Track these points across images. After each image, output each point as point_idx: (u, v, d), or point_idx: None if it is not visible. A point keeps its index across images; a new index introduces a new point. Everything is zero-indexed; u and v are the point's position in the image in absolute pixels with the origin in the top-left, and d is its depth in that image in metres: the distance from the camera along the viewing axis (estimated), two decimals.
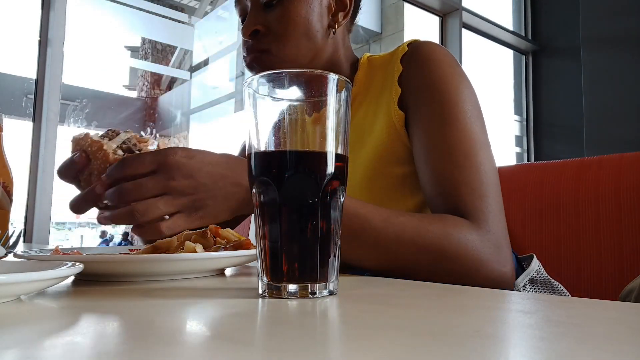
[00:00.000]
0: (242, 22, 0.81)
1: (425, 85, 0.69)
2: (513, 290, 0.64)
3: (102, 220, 0.57)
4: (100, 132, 0.62)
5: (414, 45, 0.74)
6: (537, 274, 0.74)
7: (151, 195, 0.53)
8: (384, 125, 0.73)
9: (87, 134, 0.61)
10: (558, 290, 0.74)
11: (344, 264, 0.59)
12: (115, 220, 0.55)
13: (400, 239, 0.57)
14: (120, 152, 0.60)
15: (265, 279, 0.39)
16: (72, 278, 0.50)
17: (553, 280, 0.75)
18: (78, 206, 0.59)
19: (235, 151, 1.47)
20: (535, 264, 0.75)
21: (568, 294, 0.76)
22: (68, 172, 0.61)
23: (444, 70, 0.70)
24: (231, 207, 0.56)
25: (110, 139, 0.61)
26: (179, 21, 6.02)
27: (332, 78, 0.39)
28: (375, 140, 0.74)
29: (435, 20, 3.53)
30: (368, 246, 0.57)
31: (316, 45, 0.77)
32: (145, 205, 0.52)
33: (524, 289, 0.71)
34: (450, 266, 0.58)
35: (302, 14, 0.76)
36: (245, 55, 0.78)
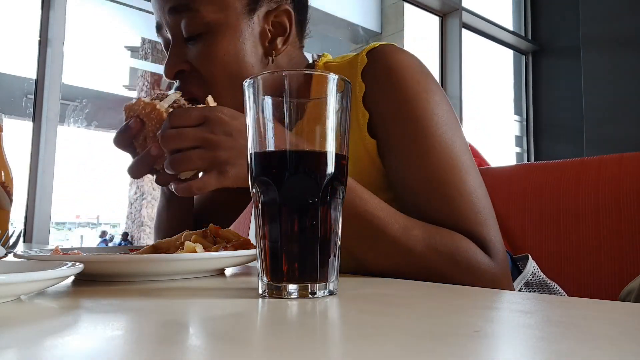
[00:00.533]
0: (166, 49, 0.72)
1: (395, 108, 0.63)
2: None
3: (159, 180, 0.58)
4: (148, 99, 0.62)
5: (373, 55, 0.66)
6: (533, 277, 0.72)
7: (189, 145, 0.52)
8: (358, 155, 0.66)
9: (139, 99, 0.62)
10: (554, 290, 0.74)
11: (355, 263, 0.58)
12: (159, 176, 0.56)
13: (405, 230, 0.56)
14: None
15: (265, 279, 0.39)
16: (72, 278, 0.50)
17: (549, 281, 0.74)
18: (136, 170, 0.58)
19: None
20: (531, 266, 0.73)
21: (565, 294, 0.75)
22: (124, 138, 0.61)
23: (410, 84, 0.63)
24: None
25: (161, 100, 0.61)
26: None
27: (332, 78, 0.39)
28: (352, 171, 0.65)
29: (435, 20, 3.53)
30: (383, 247, 0.56)
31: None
32: (180, 155, 0.52)
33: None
34: (451, 276, 0.56)
35: (229, 50, 0.66)
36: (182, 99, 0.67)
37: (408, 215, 0.59)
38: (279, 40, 0.70)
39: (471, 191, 0.60)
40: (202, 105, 0.60)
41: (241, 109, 0.68)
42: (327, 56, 0.77)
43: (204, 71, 0.67)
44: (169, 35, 0.70)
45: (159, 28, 0.72)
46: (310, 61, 0.77)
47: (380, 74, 0.64)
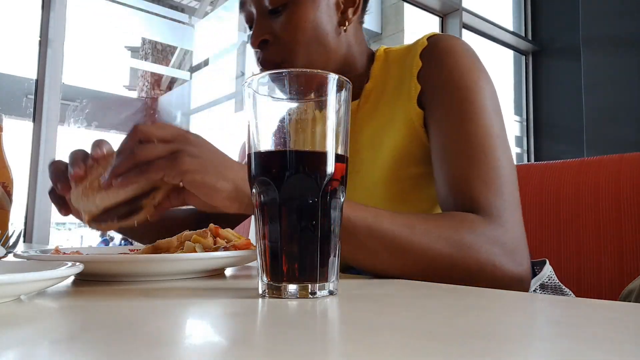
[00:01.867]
0: (249, 28, 0.80)
1: (445, 81, 0.68)
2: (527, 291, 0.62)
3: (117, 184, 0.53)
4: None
5: (434, 39, 0.72)
6: (549, 280, 0.72)
7: (159, 156, 0.50)
8: (402, 124, 0.72)
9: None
10: (568, 296, 0.73)
11: (346, 266, 0.57)
12: (122, 183, 0.51)
13: (412, 231, 0.55)
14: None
15: (265, 279, 0.39)
16: (72, 278, 0.50)
17: (564, 287, 0.73)
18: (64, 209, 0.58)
19: (235, 151, 1.47)
20: (547, 270, 0.73)
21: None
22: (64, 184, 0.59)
23: (464, 65, 0.68)
24: (225, 197, 0.52)
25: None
26: (179, 21, 6.02)
27: (332, 78, 0.39)
28: (393, 141, 0.73)
29: (435, 20, 3.53)
30: (380, 240, 0.54)
31: (328, 48, 0.75)
32: (150, 166, 0.50)
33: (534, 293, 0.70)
34: (465, 261, 0.55)
35: (310, 18, 0.73)
36: (260, 68, 0.77)
37: (436, 183, 0.66)
38: (350, 11, 0.77)
39: (498, 159, 0.63)
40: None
41: (315, 63, 0.74)
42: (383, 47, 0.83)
43: (287, 39, 0.73)
44: (252, 10, 0.77)
45: (242, 4, 0.81)
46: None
47: (438, 53, 0.70)
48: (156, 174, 0.50)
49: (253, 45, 0.75)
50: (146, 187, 0.53)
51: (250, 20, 0.79)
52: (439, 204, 0.67)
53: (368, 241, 0.53)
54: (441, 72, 0.69)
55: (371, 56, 0.82)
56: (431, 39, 0.73)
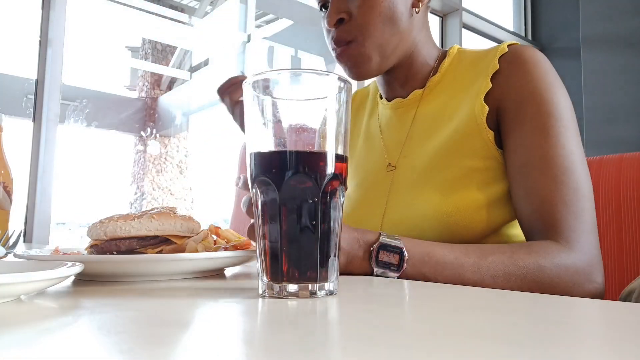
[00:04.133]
0: (321, 9, 0.81)
1: (530, 92, 0.69)
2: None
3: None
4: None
5: (516, 48, 0.74)
6: None
7: None
8: (464, 117, 0.73)
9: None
10: None
11: None
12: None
13: (495, 280, 0.58)
14: None
15: (265, 279, 0.39)
16: (72, 278, 0.50)
17: None
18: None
19: (235, 151, 1.47)
20: None
21: None
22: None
23: (548, 80, 0.69)
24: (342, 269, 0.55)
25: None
26: (179, 21, 6.02)
27: (332, 78, 0.39)
28: (450, 131, 0.74)
29: (435, 20, 3.53)
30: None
31: (401, 29, 0.76)
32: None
33: None
34: (546, 291, 0.58)
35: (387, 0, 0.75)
36: (334, 47, 0.78)
37: (514, 196, 0.68)
38: None
39: (578, 181, 0.64)
40: None
41: (387, 44, 0.75)
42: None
43: (363, 17, 0.74)
44: None
45: None
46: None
47: (521, 62, 0.71)
48: None
49: (329, 24, 0.76)
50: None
51: (323, 4, 0.81)
52: (518, 217, 0.69)
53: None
54: (526, 81, 0.69)
55: (442, 52, 0.84)
56: (512, 46, 0.74)
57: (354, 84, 1.13)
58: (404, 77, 0.82)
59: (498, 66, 0.72)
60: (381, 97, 0.88)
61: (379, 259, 0.55)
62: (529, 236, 0.66)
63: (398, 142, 0.81)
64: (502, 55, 0.73)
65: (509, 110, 0.70)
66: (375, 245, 0.56)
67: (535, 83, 0.69)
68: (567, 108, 0.68)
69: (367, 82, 0.89)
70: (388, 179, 0.79)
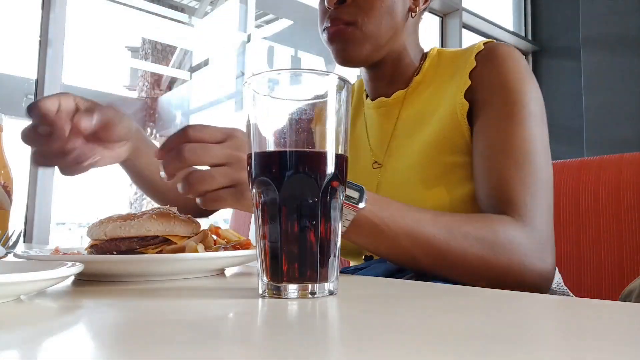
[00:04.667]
0: None
1: (499, 83, 0.71)
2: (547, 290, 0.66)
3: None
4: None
5: (491, 44, 0.76)
6: (557, 286, 0.75)
7: (214, 162, 0.50)
8: (445, 114, 0.75)
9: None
10: None
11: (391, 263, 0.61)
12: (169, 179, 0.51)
13: (451, 235, 0.58)
14: None
15: (265, 279, 0.39)
16: (72, 278, 0.50)
17: (570, 293, 0.76)
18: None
19: None
20: (556, 276, 0.75)
21: None
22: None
23: (518, 72, 0.71)
24: None
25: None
26: (179, 21, 6.02)
27: (332, 78, 0.39)
28: (434, 127, 0.75)
29: (435, 20, 3.53)
30: (421, 246, 0.58)
31: (396, 25, 0.77)
32: (201, 173, 0.50)
33: None
34: (499, 259, 0.59)
35: None
36: (327, 25, 0.77)
37: (475, 177, 0.69)
38: (421, 1, 0.82)
39: (538, 164, 0.66)
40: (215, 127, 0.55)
41: (382, 35, 0.76)
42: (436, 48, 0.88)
43: (367, 1, 0.75)
44: None
45: None
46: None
47: (495, 57, 0.74)
48: (220, 202, 0.51)
49: (330, 2, 0.75)
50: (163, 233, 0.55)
51: None
52: (477, 196, 0.70)
53: (408, 246, 0.57)
54: (497, 73, 0.72)
55: (424, 53, 0.86)
56: (488, 44, 0.77)
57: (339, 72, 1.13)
58: (389, 76, 0.83)
59: (475, 63, 0.75)
60: (367, 97, 0.89)
61: None
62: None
63: (383, 141, 0.82)
64: (478, 52, 0.76)
65: (479, 100, 0.72)
66: None
67: (505, 75, 0.71)
68: (535, 99, 0.70)
69: (351, 75, 0.89)
70: (375, 178, 0.81)
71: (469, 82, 0.74)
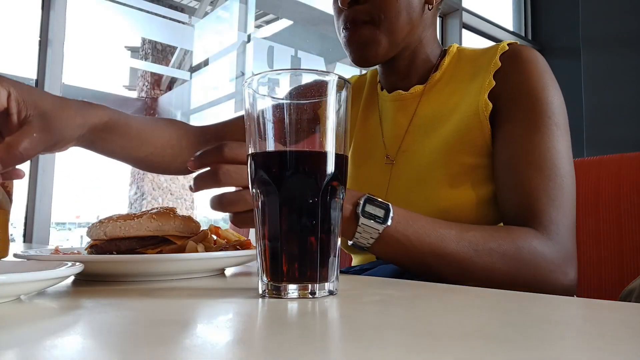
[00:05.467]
0: None
1: (525, 90, 0.70)
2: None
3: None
4: None
5: (516, 47, 0.76)
6: None
7: (246, 185, 0.49)
8: (467, 113, 0.74)
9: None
10: None
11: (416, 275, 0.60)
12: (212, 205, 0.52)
13: (476, 252, 0.58)
14: None
15: (265, 279, 0.39)
16: (72, 278, 0.50)
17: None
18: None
19: None
20: None
21: None
22: None
23: (544, 80, 0.71)
24: None
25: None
26: (179, 21, 6.02)
27: (332, 78, 0.39)
28: (452, 127, 0.74)
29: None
30: (445, 263, 0.58)
31: (413, 20, 0.76)
32: (234, 196, 0.50)
33: None
34: (524, 274, 0.60)
35: None
36: (343, 27, 0.76)
37: (499, 188, 0.69)
38: None
39: (563, 176, 0.66)
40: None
41: (399, 31, 0.75)
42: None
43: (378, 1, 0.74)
44: None
45: None
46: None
47: (521, 60, 0.73)
48: (250, 224, 0.50)
49: (343, 3, 0.74)
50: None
51: None
52: (500, 206, 0.70)
53: (433, 263, 0.58)
54: (523, 78, 0.71)
55: (442, 50, 0.85)
56: (513, 45, 0.76)
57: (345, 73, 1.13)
58: (405, 71, 0.82)
59: (500, 64, 0.74)
60: (382, 89, 0.87)
61: (365, 209, 0.55)
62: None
63: (397, 135, 0.81)
64: (503, 53, 0.75)
65: (504, 106, 0.72)
66: (363, 198, 0.56)
67: (531, 82, 0.70)
68: (560, 108, 0.70)
69: (354, 71, 0.89)
70: (386, 173, 0.79)
71: (494, 83, 0.73)
